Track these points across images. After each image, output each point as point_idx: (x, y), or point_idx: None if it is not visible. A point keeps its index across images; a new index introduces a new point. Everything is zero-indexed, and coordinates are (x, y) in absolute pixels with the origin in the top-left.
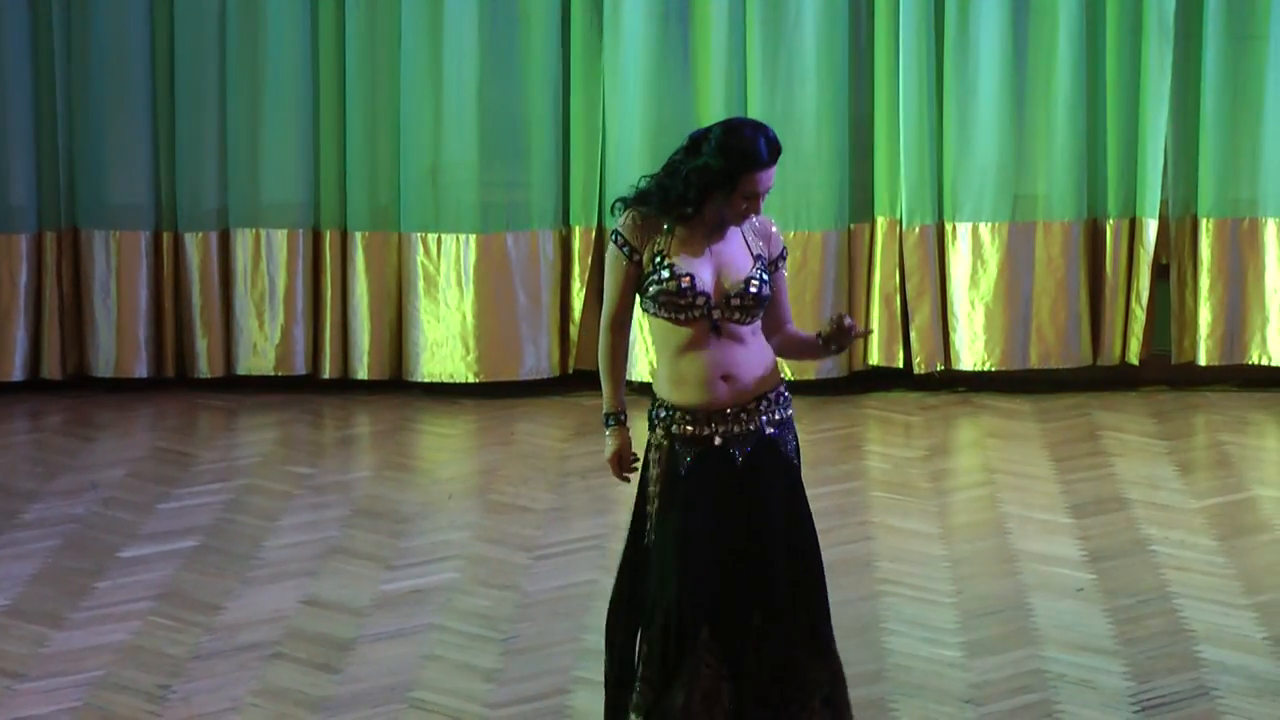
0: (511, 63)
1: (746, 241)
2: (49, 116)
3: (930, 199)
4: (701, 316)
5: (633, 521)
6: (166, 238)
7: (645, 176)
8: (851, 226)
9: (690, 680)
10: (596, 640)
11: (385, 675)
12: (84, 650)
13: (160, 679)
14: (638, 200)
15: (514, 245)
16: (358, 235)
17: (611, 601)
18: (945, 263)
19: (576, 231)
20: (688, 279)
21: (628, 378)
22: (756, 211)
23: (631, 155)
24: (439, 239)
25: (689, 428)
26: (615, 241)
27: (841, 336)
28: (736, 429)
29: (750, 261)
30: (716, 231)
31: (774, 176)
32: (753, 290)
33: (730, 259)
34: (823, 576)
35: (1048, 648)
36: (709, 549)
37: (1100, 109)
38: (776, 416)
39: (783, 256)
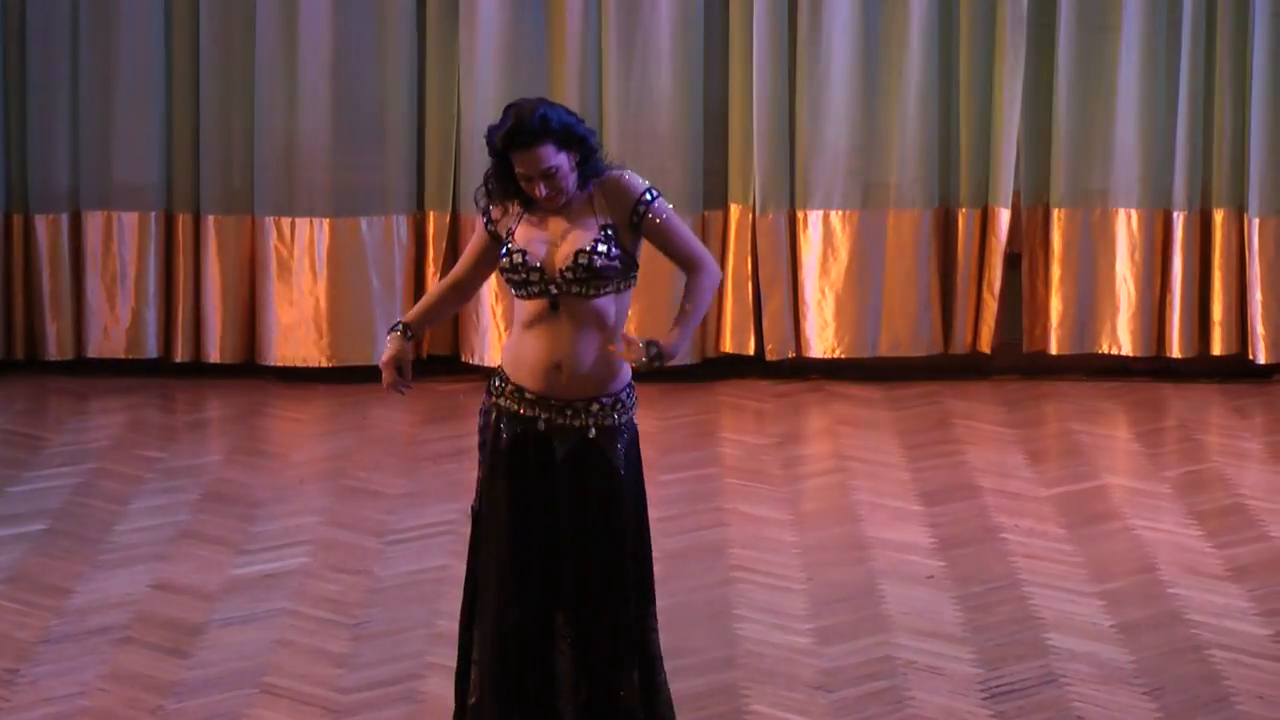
0: (366, 45)
1: (594, 211)
2: None
3: (783, 186)
4: (540, 292)
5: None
6: (16, 220)
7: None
8: (705, 213)
9: (502, 661)
10: (449, 625)
11: (236, 660)
12: None
13: (8, 663)
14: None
15: (368, 230)
16: (210, 218)
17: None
18: (797, 250)
19: (431, 216)
20: (520, 254)
21: (480, 362)
22: (553, 191)
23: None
24: (292, 223)
25: (517, 406)
26: (479, 212)
27: (637, 360)
28: (561, 421)
29: (593, 233)
30: (558, 210)
31: (550, 158)
32: (582, 262)
33: (569, 232)
34: (625, 596)
35: (898, 634)
36: (521, 534)
37: (953, 98)
38: (605, 422)
39: (644, 203)
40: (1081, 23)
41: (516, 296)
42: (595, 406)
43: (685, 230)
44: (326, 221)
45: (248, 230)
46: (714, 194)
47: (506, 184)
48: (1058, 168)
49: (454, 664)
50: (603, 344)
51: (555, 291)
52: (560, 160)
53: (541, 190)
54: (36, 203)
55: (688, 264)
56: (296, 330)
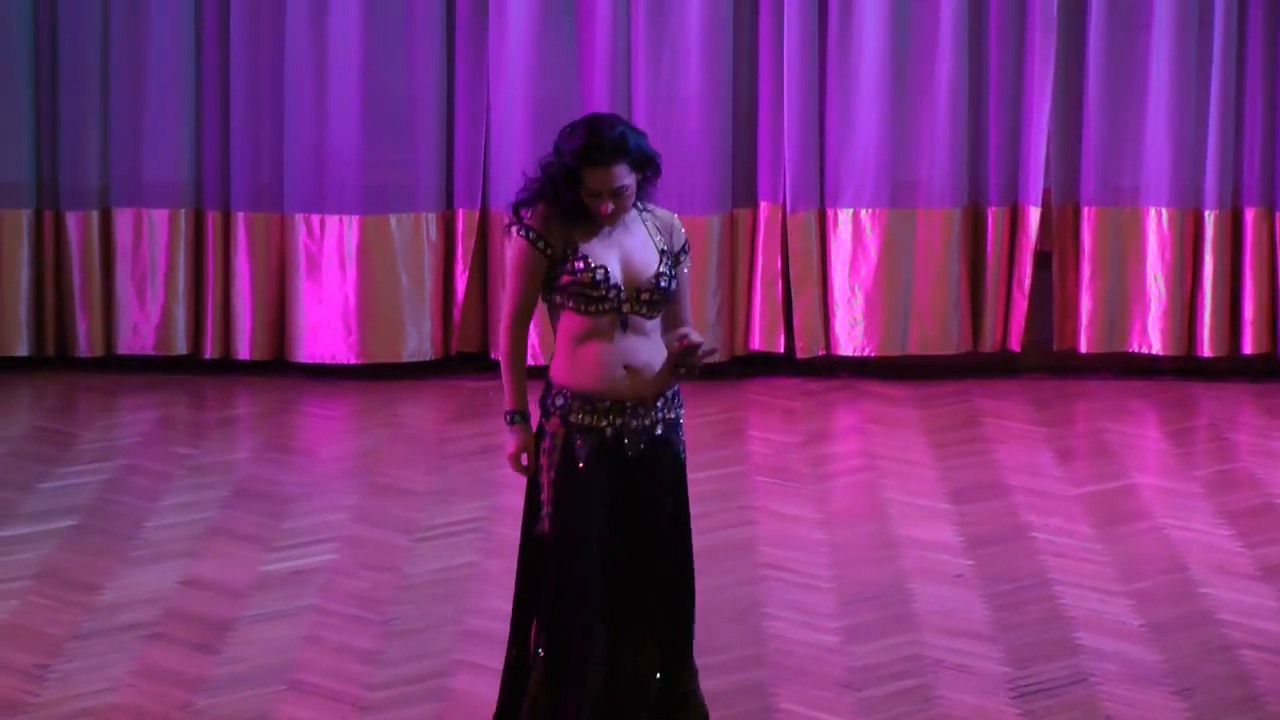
0: (396, 43)
1: (650, 234)
2: None
3: (813, 184)
4: (612, 309)
5: (525, 510)
6: (47, 216)
7: (526, 177)
8: (734, 211)
9: (586, 681)
10: (477, 623)
11: (264, 656)
12: None
13: (38, 659)
14: (531, 199)
15: (397, 227)
16: (240, 216)
17: (515, 590)
18: (827, 248)
19: (460, 214)
20: (603, 270)
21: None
22: (618, 209)
23: (515, 138)
24: (322, 220)
25: (585, 417)
26: (526, 236)
27: (688, 356)
28: (633, 423)
29: (656, 255)
30: (618, 225)
31: (623, 177)
32: (662, 285)
33: (636, 252)
34: (692, 583)
35: (926, 633)
36: (604, 548)
37: (983, 96)
38: (669, 416)
39: (685, 250)
40: (1112, 20)
41: (578, 313)
42: (661, 401)
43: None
44: (356, 219)
45: (277, 227)
46: (743, 192)
47: (564, 195)
48: (1088, 166)
49: (484, 661)
50: (659, 344)
51: (627, 310)
52: (631, 180)
53: (608, 208)
54: (67, 200)
55: (683, 317)
56: (326, 327)
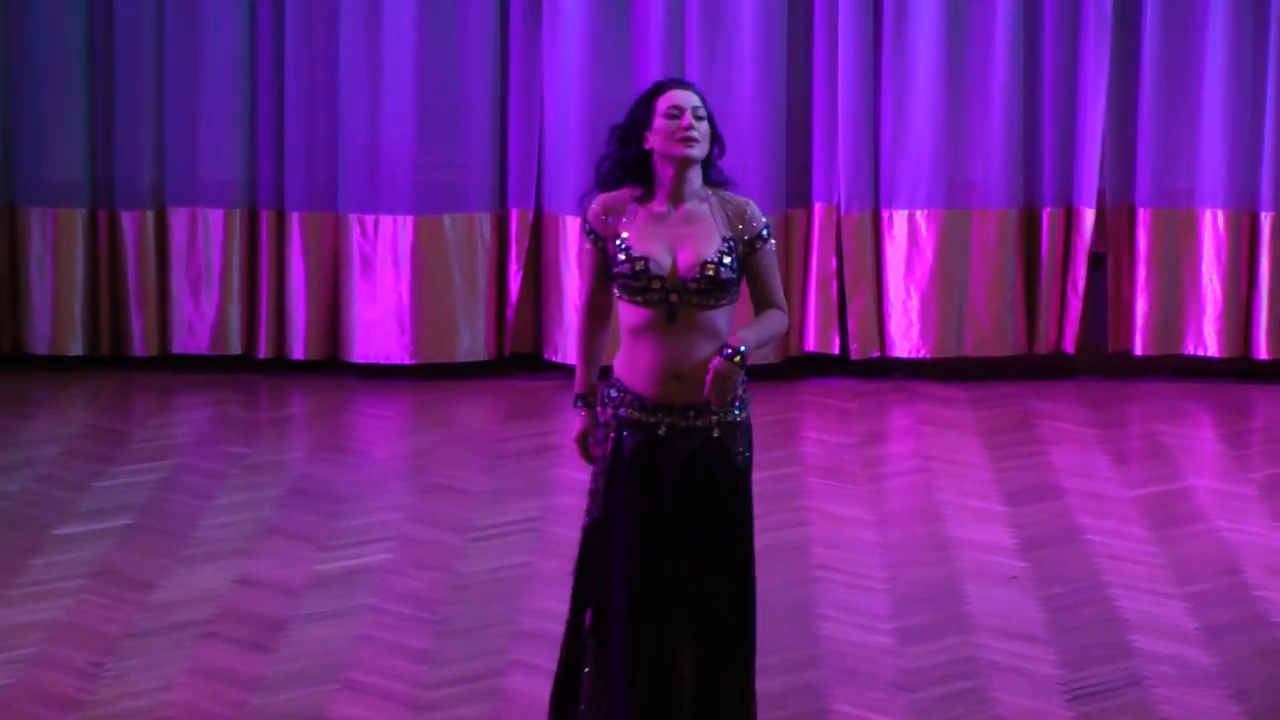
0: (450, 43)
1: (717, 223)
2: None
3: (867, 186)
4: (659, 300)
5: (589, 498)
6: (103, 215)
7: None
8: (789, 212)
9: (633, 676)
10: (531, 622)
11: (318, 655)
12: (17, 627)
13: (93, 657)
14: (599, 183)
15: (451, 227)
16: (294, 215)
17: (572, 583)
18: (881, 249)
19: (514, 214)
20: (642, 262)
21: (562, 359)
22: (697, 133)
23: (569, 139)
24: (376, 220)
25: (636, 413)
26: (583, 230)
27: (719, 385)
28: (683, 424)
29: (716, 244)
30: (677, 210)
31: (694, 99)
32: (709, 274)
33: (691, 241)
34: (749, 589)
35: (980, 635)
36: (646, 546)
37: (1038, 97)
38: (728, 419)
39: (762, 236)
40: (1167, 21)
41: (629, 303)
42: (715, 404)
43: (778, 274)
44: (410, 219)
45: (331, 227)
46: (798, 193)
47: (628, 161)
48: (1142, 168)
49: (537, 661)
50: (719, 345)
51: (675, 300)
52: (705, 127)
53: (687, 121)
54: (122, 199)
55: (769, 302)
56: (379, 327)
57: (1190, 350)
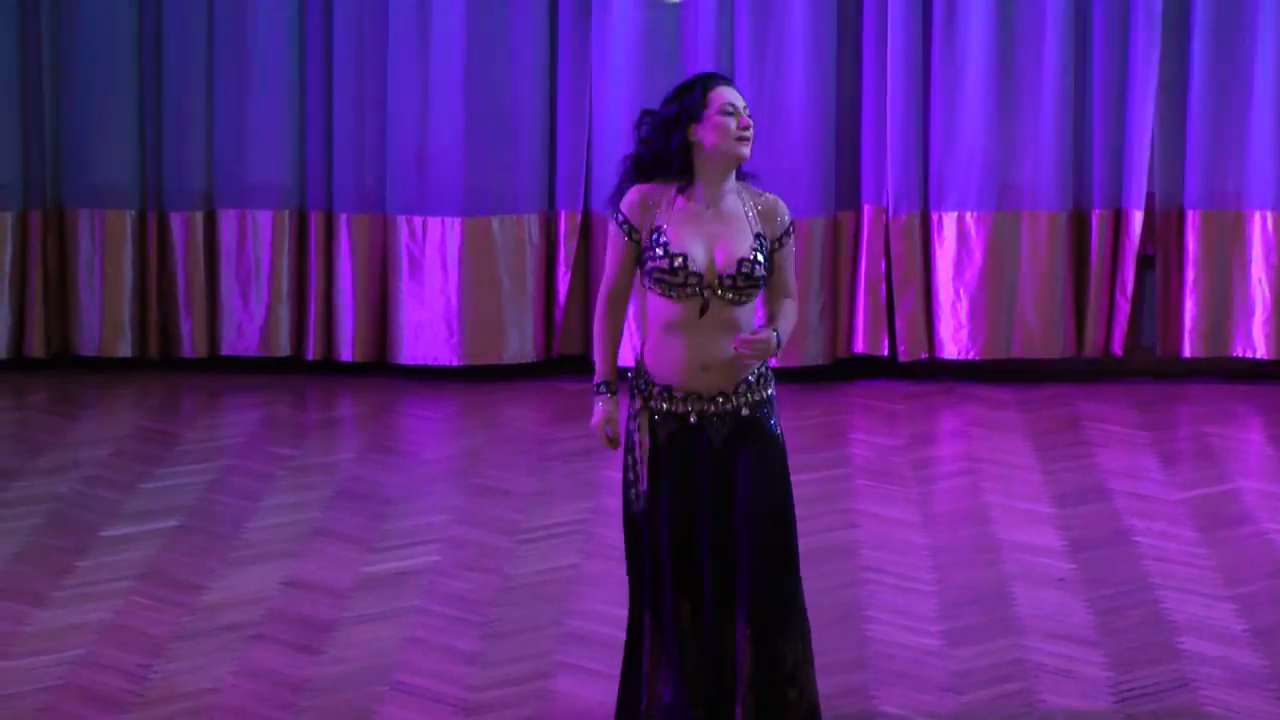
0: (498, 45)
1: (748, 218)
2: (35, 95)
3: (916, 187)
4: (693, 295)
5: (622, 491)
6: (152, 217)
7: (627, 157)
8: (837, 214)
9: (680, 652)
10: (578, 625)
11: (366, 657)
12: (65, 629)
13: (141, 658)
14: (634, 171)
15: (499, 229)
16: (343, 217)
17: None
18: (930, 251)
19: (562, 216)
20: (680, 259)
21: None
22: (745, 131)
23: (618, 140)
24: (424, 222)
25: (666, 404)
26: (616, 220)
27: (752, 350)
28: (713, 410)
29: (749, 240)
30: (714, 207)
31: (743, 100)
32: (745, 271)
33: (728, 238)
34: (794, 558)
35: (1028, 637)
36: (687, 527)
37: (1087, 99)
38: (755, 398)
39: (788, 233)
40: (1216, 22)
41: (662, 296)
42: (743, 387)
43: (793, 267)
44: (458, 221)
45: (380, 229)
46: (847, 195)
47: (667, 154)
48: (1191, 170)
49: (585, 663)
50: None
51: (709, 296)
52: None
53: (746, 121)
54: (172, 201)
55: (785, 292)
56: (427, 329)
57: (1239, 352)
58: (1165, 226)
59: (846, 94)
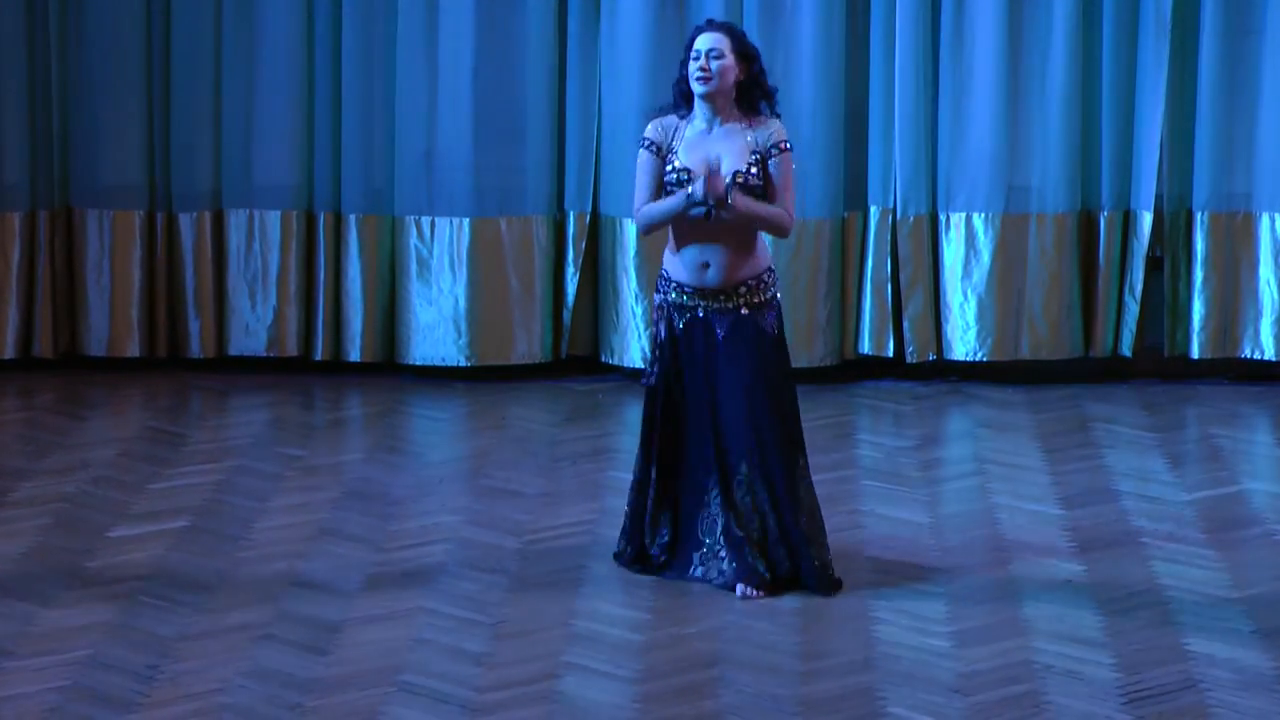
0: (507, 46)
1: (749, 142)
2: (43, 95)
3: (924, 189)
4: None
5: (646, 365)
6: (160, 218)
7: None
8: (845, 215)
9: (671, 509)
10: (586, 626)
11: (374, 658)
12: (73, 629)
13: (149, 659)
14: (669, 106)
15: (507, 230)
16: (352, 218)
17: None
18: (938, 253)
19: (570, 217)
20: (685, 171)
21: (619, 362)
22: (705, 71)
23: (627, 141)
24: (433, 222)
25: (680, 298)
26: (642, 144)
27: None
28: (717, 305)
29: (746, 158)
30: (717, 129)
31: (723, 49)
32: (739, 182)
33: (728, 156)
34: (794, 435)
35: (1036, 638)
36: (697, 402)
37: (1095, 101)
38: (754, 300)
39: (778, 146)
40: (1225, 26)
41: None
42: (743, 289)
43: (791, 186)
44: (466, 221)
45: (388, 229)
46: (854, 196)
47: (679, 88)
48: (1200, 171)
49: (593, 664)
50: (742, 245)
51: (712, 204)
52: (727, 54)
53: (707, 64)
54: (180, 201)
55: (776, 200)
56: (436, 330)
57: (1247, 354)
58: (1174, 228)
59: (855, 95)
